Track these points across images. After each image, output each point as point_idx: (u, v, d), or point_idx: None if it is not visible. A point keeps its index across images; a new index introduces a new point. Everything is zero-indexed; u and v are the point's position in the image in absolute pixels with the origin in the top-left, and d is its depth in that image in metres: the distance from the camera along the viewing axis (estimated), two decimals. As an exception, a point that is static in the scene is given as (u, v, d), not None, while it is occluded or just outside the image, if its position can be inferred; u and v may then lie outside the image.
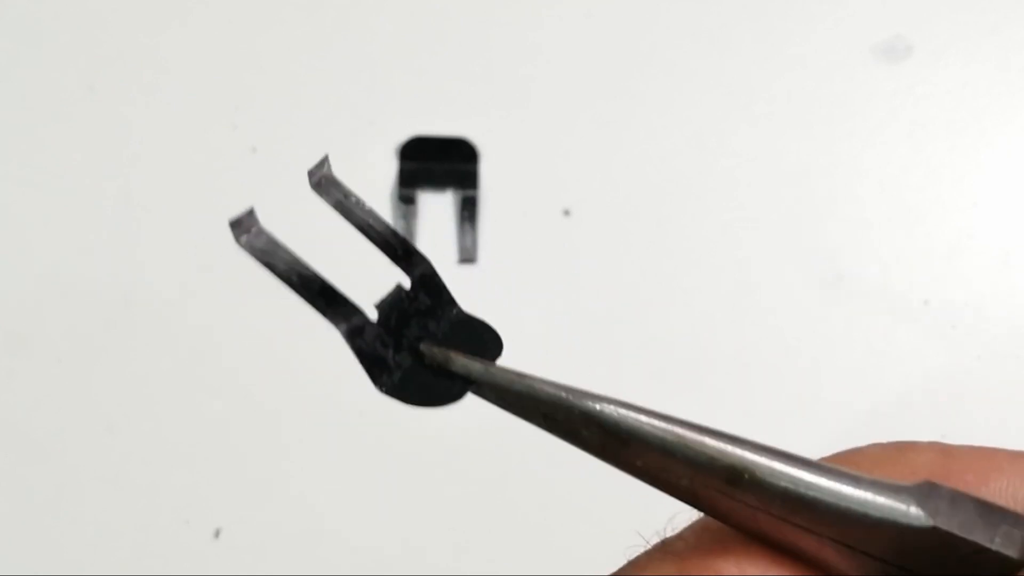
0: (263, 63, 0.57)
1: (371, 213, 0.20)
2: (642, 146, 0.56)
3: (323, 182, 0.20)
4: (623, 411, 0.19)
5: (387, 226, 0.20)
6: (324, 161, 0.20)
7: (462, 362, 0.20)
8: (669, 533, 0.21)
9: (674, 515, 0.21)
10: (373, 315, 0.20)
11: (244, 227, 0.18)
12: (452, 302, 0.20)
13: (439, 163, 0.55)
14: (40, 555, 0.50)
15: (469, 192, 0.54)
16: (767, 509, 0.18)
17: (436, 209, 0.55)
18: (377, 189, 0.54)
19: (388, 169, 0.55)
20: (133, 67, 0.56)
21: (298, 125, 0.56)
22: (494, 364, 0.20)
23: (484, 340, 0.20)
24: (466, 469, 0.51)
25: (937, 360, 0.53)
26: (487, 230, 0.54)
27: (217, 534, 0.50)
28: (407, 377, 0.20)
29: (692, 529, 0.20)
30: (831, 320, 0.54)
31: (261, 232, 0.19)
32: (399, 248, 0.20)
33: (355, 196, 0.20)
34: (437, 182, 0.55)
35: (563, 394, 0.19)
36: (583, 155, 0.56)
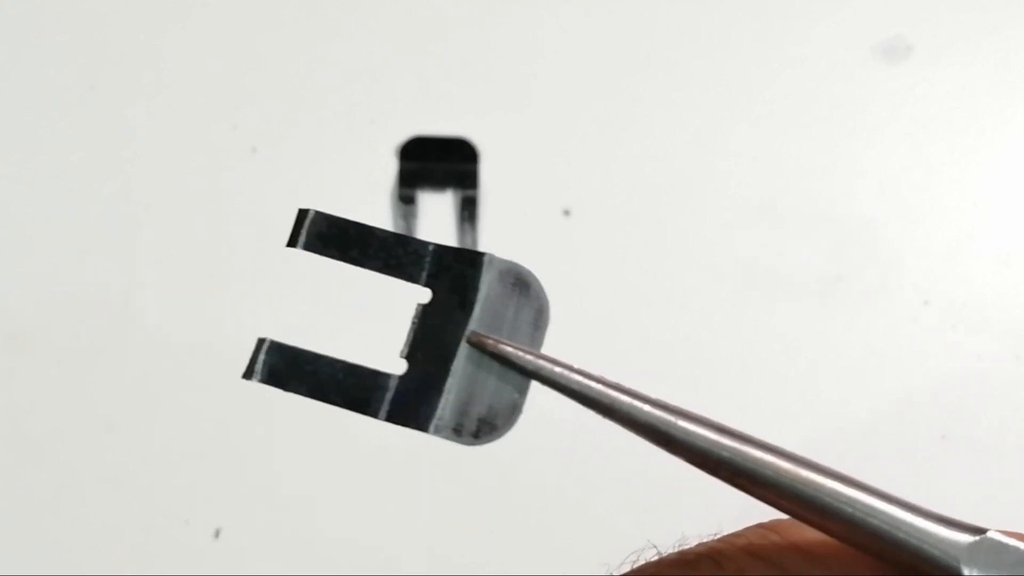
0: (263, 63, 0.57)
1: (374, 231, 0.20)
2: (642, 146, 0.56)
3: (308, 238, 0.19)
4: (696, 430, 0.19)
5: (381, 233, 0.20)
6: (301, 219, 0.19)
7: (513, 354, 0.19)
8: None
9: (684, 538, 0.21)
10: (401, 366, 0.19)
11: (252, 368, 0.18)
12: (476, 255, 0.19)
13: (439, 163, 0.55)
14: (40, 555, 0.50)
15: (469, 192, 0.54)
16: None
17: (436, 209, 0.55)
18: (377, 189, 0.54)
19: (388, 169, 0.55)
20: (133, 67, 0.56)
21: (298, 125, 0.56)
22: (543, 355, 0.19)
23: (525, 287, 0.19)
24: (466, 469, 0.51)
25: (937, 360, 0.53)
26: (487, 230, 0.54)
27: (217, 534, 0.50)
28: (453, 407, 0.19)
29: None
30: (831, 320, 0.54)
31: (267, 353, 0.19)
32: (403, 255, 0.19)
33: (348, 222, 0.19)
34: (437, 182, 0.55)
35: (615, 394, 0.19)
36: (583, 155, 0.56)
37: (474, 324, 0.19)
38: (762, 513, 0.20)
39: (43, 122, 0.56)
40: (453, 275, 0.19)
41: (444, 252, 0.19)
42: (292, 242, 0.19)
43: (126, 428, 0.51)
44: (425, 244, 0.19)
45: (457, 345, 0.19)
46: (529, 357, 0.19)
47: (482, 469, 0.52)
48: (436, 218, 0.54)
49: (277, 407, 0.52)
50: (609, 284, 0.54)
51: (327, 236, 0.20)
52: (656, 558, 0.21)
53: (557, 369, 0.19)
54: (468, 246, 0.54)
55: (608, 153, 0.56)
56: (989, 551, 0.18)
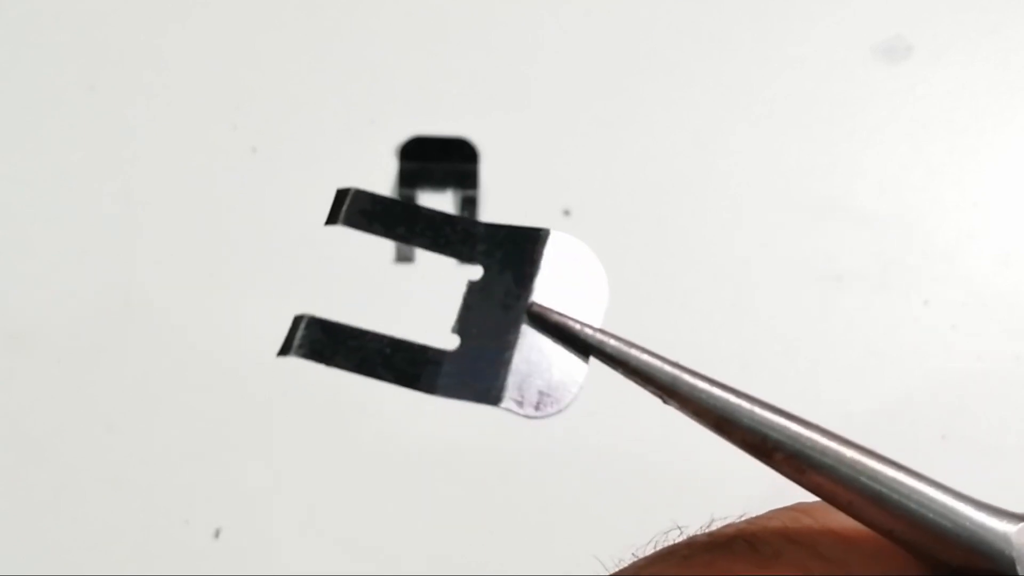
0: (263, 63, 0.57)
1: (420, 210, 0.20)
2: (642, 146, 0.56)
3: (358, 205, 0.19)
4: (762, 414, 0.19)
5: (434, 212, 0.20)
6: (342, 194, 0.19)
7: (576, 327, 0.19)
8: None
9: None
10: (453, 341, 0.19)
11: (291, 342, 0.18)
12: (531, 230, 0.19)
13: (439, 163, 0.55)
14: (40, 555, 0.50)
15: (469, 192, 0.54)
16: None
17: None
18: (377, 189, 0.54)
19: (388, 169, 0.55)
20: (133, 67, 0.56)
21: (298, 125, 0.56)
22: (602, 330, 0.19)
23: (580, 272, 0.19)
24: (467, 469, 0.51)
25: (937, 360, 0.53)
26: (487, 230, 0.54)
27: (217, 534, 0.50)
28: (517, 378, 0.18)
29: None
30: (831, 320, 0.54)
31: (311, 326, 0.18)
32: (452, 233, 0.19)
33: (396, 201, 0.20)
34: (437, 182, 0.55)
35: (677, 372, 0.19)
36: (583, 155, 0.56)
37: (533, 297, 0.19)
38: (787, 497, 0.19)
39: (43, 122, 0.56)
40: (507, 252, 0.19)
41: (497, 230, 0.19)
42: (331, 220, 0.19)
43: (126, 428, 0.51)
44: (475, 223, 0.19)
45: (516, 319, 0.19)
46: (589, 331, 0.19)
47: (483, 469, 0.51)
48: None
49: (277, 407, 0.52)
50: (609, 284, 0.54)
51: (371, 213, 0.20)
52: (684, 539, 0.20)
53: (617, 344, 0.19)
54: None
55: (608, 153, 0.56)
56: None
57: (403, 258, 0.53)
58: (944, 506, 0.18)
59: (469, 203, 0.54)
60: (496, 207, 0.55)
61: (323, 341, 0.18)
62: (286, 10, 0.58)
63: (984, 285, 0.55)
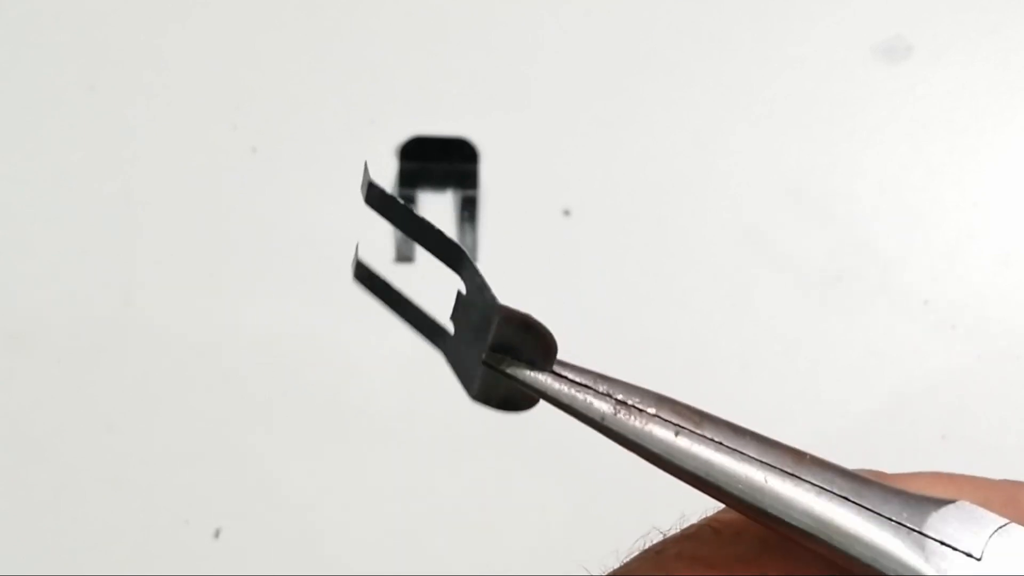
0: (263, 63, 0.57)
1: (422, 221, 0.21)
2: (642, 146, 0.56)
3: (376, 194, 0.20)
4: (695, 447, 0.20)
5: (431, 226, 0.21)
6: (366, 173, 0.20)
7: (522, 374, 0.20)
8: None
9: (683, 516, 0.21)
10: (450, 328, 0.21)
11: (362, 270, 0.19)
12: (495, 306, 0.20)
13: (439, 163, 0.55)
14: (40, 555, 0.50)
15: (469, 192, 0.54)
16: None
17: (436, 209, 0.55)
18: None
19: (388, 169, 0.55)
20: (133, 67, 0.56)
21: (298, 125, 0.56)
22: (551, 374, 0.20)
23: (536, 340, 0.20)
24: (466, 469, 0.51)
25: (937, 360, 0.53)
26: (487, 230, 0.54)
27: (217, 534, 0.50)
28: (486, 384, 0.20)
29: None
30: (831, 320, 0.54)
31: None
32: (449, 252, 0.20)
33: (405, 205, 0.20)
34: (437, 182, 0.55)
35: (616, 412, 0.20)
36: (583, 155, 0.56)
37: (490, 341, 0.20)
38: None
39: (43, 122, 0.56)
40: (479, 296, 0.20)
41: (474, 276, 0.20)
42: (364, 191, 0.20)
43: (126, 428, 0.51)
44: (472, 266, 0.20)
45: (479, 354, 0.20)
46: (541, 378, 0.20)
47: (483, 469, 0.52)
48: (436, 218, 0.54)
49: (277, 407, 0.52)
50: (609, 284, 0.54)
51: (384, 204, 0.21)
52: (659, 538, 0.22)
53: (560, 388, 0.20)
54: (468, 246, 0.54)
55: (608, 153, 0.56)
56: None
57: (403, 258, 0.53)
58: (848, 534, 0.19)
59: (469, 203, 0.54)
60: (496, 207, 0.55)
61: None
62: (286, 10, 0.58)
63: (984, 285, 0.55)
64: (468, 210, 0.54)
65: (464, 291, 0.20)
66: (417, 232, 0.21)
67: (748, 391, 0.53)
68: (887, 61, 0.58)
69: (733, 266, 0.55)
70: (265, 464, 0.51)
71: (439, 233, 0.20)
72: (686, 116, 0.57)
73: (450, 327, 0.21)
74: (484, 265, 0.59)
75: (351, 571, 0.49)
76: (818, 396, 0.53)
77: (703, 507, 0.22)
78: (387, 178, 0.55)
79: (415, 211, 0.21)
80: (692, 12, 0.58)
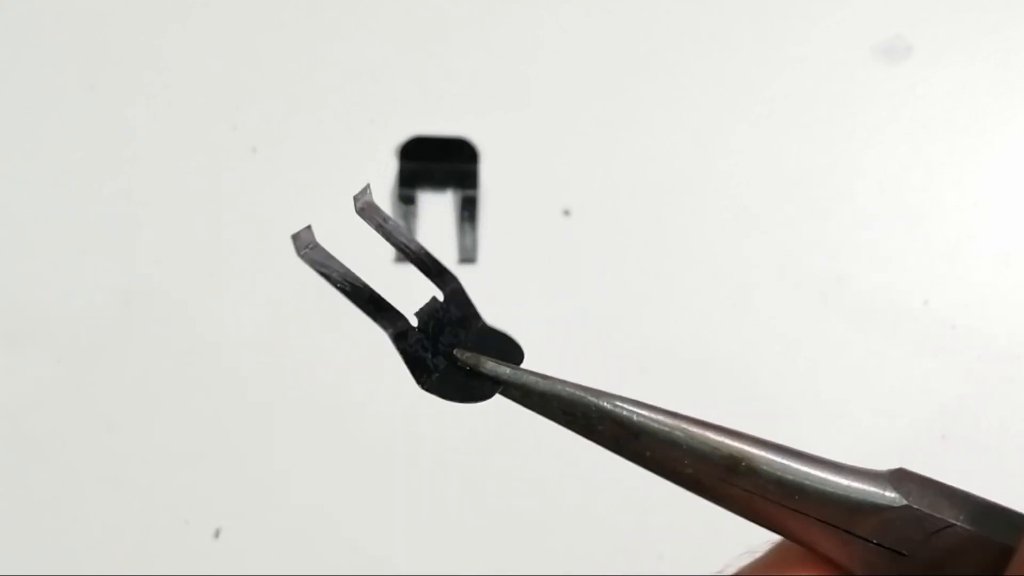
0: (263, 63, 0.57)
1: (408, 235, 0.23)
2: (642, 146, 0.56)
3: (367, 208, 0.22)
4: (634, 408, 0.21)
5: (421, 246, 0.23)
6: (366, 189, 0.22)
7: (491, 365, 0.22)
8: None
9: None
10: (414, 322, 0.22)
11: (303, 242, 0.20)
12: (477, 316, 0.22)
13: (439, 163, 0.55)
14: (40, 555, 0.50)
15: (469, 192, 0.54)
16: (762, 494, 0.21)
17: (436, 209, 0.55)
18: (377, 189, 0.54)
19: (388, 169, 0.55)
20: (133, 67, 0.56)
21: (298, 125, 0.56)
22: (519, 367, 0.22)
23: (507, 350, 0.22)
24: (466, 470, 0.51)
25: (937, 360, 0.53)
26: (487, 230, 0.54)
27: (217, 534, 0.50)
28: (444, 377, 0.22)
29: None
30: (831, 320, 0.54)
31: (318, 246, 0.21)
32: (432, 267, 0.22)
33: (393, 220, 0.22)
34: (437, 182, 0.55)
35: (581, 393, 0.21)
36: (583, 155, 0.56)
37: (465, 341, 0.22)
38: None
39: (43, 122, 0.56)
40: (461, 311, 0.22)
41: (462, 293, 0.22)
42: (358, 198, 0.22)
43: (126, 428, 0.51)
44: (451, 276, 0.23)
45: (450, 346, 0.22)
46: (504, 369, 0.22)
47: (482, 470, 0.52)
48: (436, 218, 0.54)
49: (277, 407, 0.52)
50: (609, 284, 0.54)
51: (374, 217, 0.22)
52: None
53: (514, 373, 0.22)
54: (468, 246, 0.54)
55: (608, 153, 0.56)
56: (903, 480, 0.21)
57: (466, 259, 0.53)
58: (827, 481, 0.21)
59: (469, 203, 0.54)
60: (496, 207, 0.55)
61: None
62: (286, 10, 0.58)
63: (984, 285, 0.55)
64: (468, 210, 0.54)
65: (441, 297, 0.22)
66: (403, 244, 0.22)
67: (748, 391, 0.53)
68: (887, 61, 0.58)
69: (733, 266, 0.55)
70: (265, 464, 0.51)
71: (421, 247, 0.22)
72: (686, 116, 0.57)
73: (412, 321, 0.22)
74: (484, 265, 0.59)
75: (351, 571, 0.49)
76: (818, 396, 0.53)
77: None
78: (387, 178, 0.55)
79: (399, 225, 0.22)
80: (692, 12, 0.58)
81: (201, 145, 0.56)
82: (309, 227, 0.21)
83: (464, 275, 0.22)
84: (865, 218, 0.56)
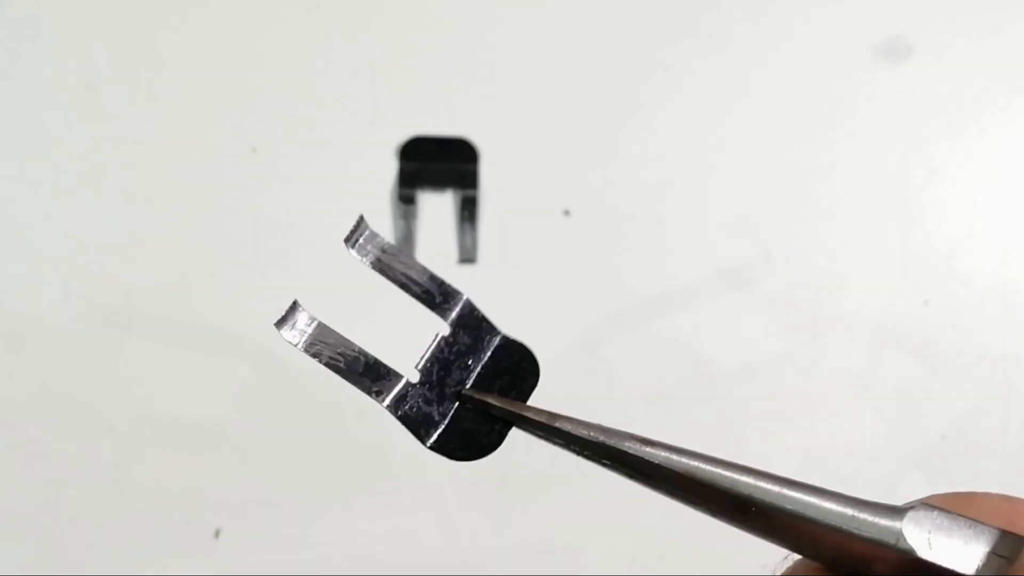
0: (263, 63, 0.57)
1: (409, 260, 0.22)
2: (642, 146, 0.56)
3: (363, 241, 0.21)
4: (644, 449, 0.21)
5: (424, 269, 0.22)
6: (361, 222, 0.21)
7: (499, 408, 0.22)
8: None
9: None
10: (415, 376, 0.21)
11: (291, 322, 0.20)
12: (493, 330, 0.22)
13: (439, 163, 0.55)
14: (40, 555, 0.50)
15: (469, 192, 0.54)
16: (775, 535, 0.20)
17: (436, 209, 0.55)
18: (377, 189, 0.54)
19: (388, 169, 0.55)
20: (133, 67, 0.56)
21: (298, 125, 0.56)
22: (527, 406, 0.22)
23: (522, 366, 0.22)
24: (466, 470, 0.51)
25: (937, 360, 0.53)
26: (487, 230, 0.54)
27: (217, 534, 0.50)
28: (451, 426, 0.22)
29: None
30: (830, 320, 0.54)
31: (311, 322, 0.20)
32: (437, 293, 0.22)
33: (392, 246, 0.22)
34: (437, 182, 0.55)
35: (593, 434, 0.21)
36: (583, 155, 0.56)
37: (473, 377, 0.22)
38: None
39: (43, 122, 0.56)
40: (471, 333, 0.22)
41: (471, 311, 0.22)
42: (347, 241, 0.21)
43: (126, 428, 0.51)
44: (458, 293, 0.22)
45: (459, 385, 0.22)
46: (510, 408, 0.22)
47: (482, 471, 0.51)
48: (436, 218, 0.54)
49: (277, 407, 0.52)
50: (609, 284, 0.54)
51: (372, 251, 0.22)
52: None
53: (535, 416, 0.22)
54: (468, 246, 0.54)
55: (608, 153, 0.56)
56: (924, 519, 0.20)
57: (466, 259, 0.53)
58: (843, 516, 0.20)
59: (469, 203, 0.54)
60: (496, 207, 0.55)
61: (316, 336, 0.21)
62: (286, 10, 0.58)
63: (984, 285, 0.55)
64: (468, 210, 0.54)
65: (447, 333, 0.21)
66: (404, 276, 0.22)
67: (748, 391, 0.53)
68: (887, 61, 0.58)
69: (732, 266, 0.55)
70: (265, 464, 0.51)
71: (424, 271, 0.22)
72: (686, 116, 0.57)
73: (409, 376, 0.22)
74: (484, 265, 0.59)
75: (351, 571, 0.49)
76: (818, 396, 0.53)
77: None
78: (387, 178, 0.55)
79: (400, 252, 0.21)
80: (692, 12, 0.58)
81: (201, 145, 0.55)
82: (295, 303, 0.21)
83: (464, 275, 0.22)
84: (865, 218, 0.56)
